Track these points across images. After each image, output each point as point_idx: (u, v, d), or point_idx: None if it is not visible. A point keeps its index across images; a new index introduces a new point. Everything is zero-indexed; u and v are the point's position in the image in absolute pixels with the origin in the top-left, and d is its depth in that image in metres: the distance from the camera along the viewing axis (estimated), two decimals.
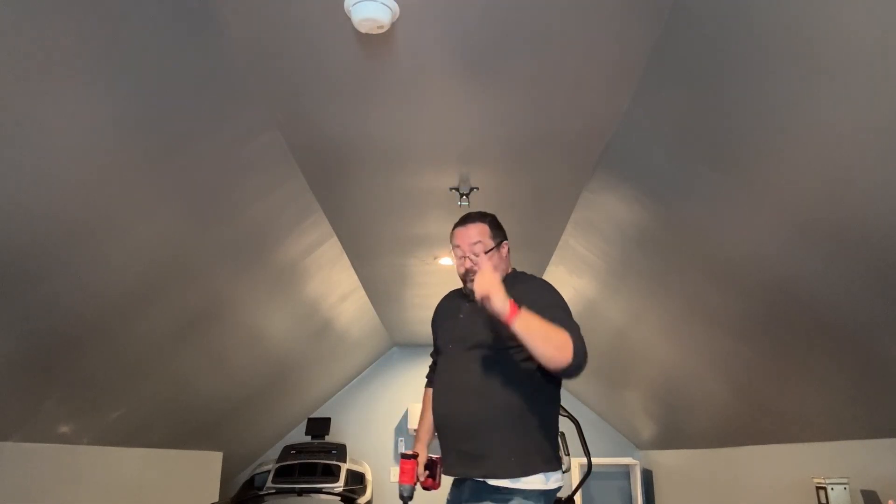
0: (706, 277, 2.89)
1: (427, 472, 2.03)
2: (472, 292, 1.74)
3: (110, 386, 3.01)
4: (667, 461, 5.61)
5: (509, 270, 2.05)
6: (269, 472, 5.20)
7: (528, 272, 2.10)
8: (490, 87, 2.22)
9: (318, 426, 5.92)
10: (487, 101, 2.30)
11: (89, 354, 2.69)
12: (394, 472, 6.25)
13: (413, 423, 6.12)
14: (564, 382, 2.03)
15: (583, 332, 1.79)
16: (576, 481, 5.81)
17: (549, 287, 2.00)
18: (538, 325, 1.71)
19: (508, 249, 2.08)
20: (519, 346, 1.75)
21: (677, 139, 2.31)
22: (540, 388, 1.91)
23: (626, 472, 6.35)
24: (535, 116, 2.39)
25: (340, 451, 5.48)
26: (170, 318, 2.99)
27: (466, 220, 2.03)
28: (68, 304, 2.34)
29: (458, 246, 1.99)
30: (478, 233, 1.98)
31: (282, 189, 2.85)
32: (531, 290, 1.91)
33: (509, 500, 1.80)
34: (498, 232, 2.03)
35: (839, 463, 2.97)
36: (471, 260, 1.95)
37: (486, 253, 1.95)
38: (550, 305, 1.85)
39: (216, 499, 4.93)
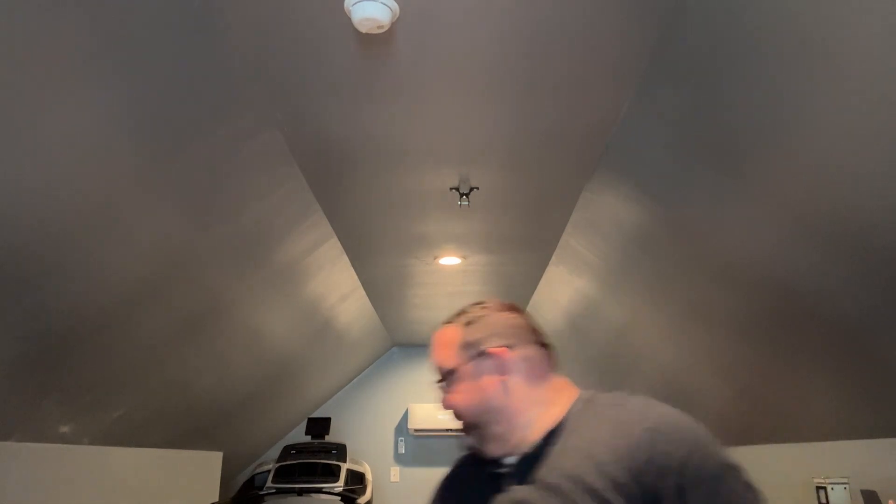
0: (706, 277, 2.89)
1: None
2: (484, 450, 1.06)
3: (110, 386, 3.01)
4: None
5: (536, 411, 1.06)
6: (269, 472, 5.20)
7: (626, 394, 1.05)
8: (490, 87, 2.22)
9: (318, 426, 5.92)
10: (487, 100, 2.30)
11: (89, 354, 2.69)
12: (394, 472, 6.26)
13: (413, 424, 6.12)
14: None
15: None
16: None
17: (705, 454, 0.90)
18: None
19: (518, 368, 1.08)
20: None
21: (678, 139, 2.31)
22: None
23: None
24: (536, 116, 2.39)
25: (340, 451, 5.49)
26: (170, 318, 2.99)
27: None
28: (68, 304, 2.34)
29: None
30: (444, 345, 1.12)
31: (281, 189, 2.85)
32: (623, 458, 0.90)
33: None
34: (479, 339, 1.09)
35: (839, 463, 2.97)
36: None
37: (451, 381, 1.09)
38: None
39: (216, 499, 4.93)
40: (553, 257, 3.97)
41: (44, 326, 2.33)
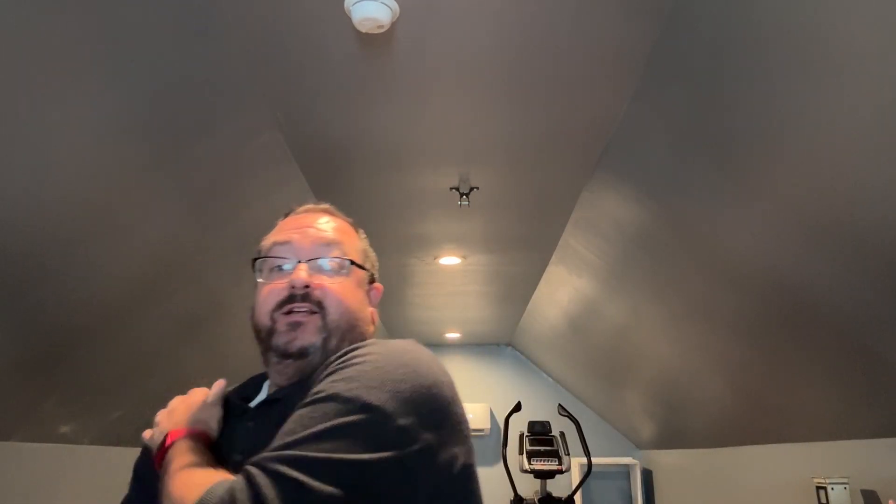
0: (706, 277, 2.89)
1: None
2: (282, 353, 0.87)
3: (111, 386, 3.01)
4: (667, 461, 5.60)
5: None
6: None
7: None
8: (490, 87, 2.22)
9: None
10: (487, 100, 2.30)
11: (90, 354, 2.69)
12: None
13: None
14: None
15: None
16: (575, 481, 5.81)
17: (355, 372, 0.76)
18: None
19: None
20: None
21: (677, 139, 2.31)
22: None
23: (625, 471, 6.35)
24: (536, 116, 2.39)
25: None
26: (171, 318, 2.99)
27: (311, 209, 1.04)
28: (69, 304, 2.34)
29: (286, 242, 0.95)
30: (336, 230, 0.98)
31: (282, 189, 2.85)
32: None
33: None
34: (373, 262, 1.07)
35: (839, 463, 2.97)
36: (305, 276, 0.89)
37: (341, 275, 0.93)
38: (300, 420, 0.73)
39: None
40: (553, 257, 3.97)
41: (45, 326, 2.33)
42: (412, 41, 1.96)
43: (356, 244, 1.02)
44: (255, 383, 1.01)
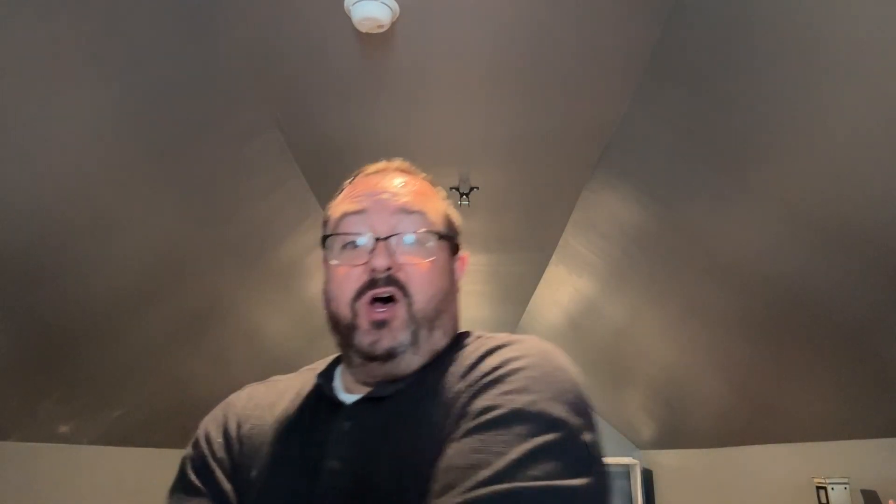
0: (706, 277, 2.89)
1: None
2: (367, 356, 0.74)
3: (110, 386, 3.01)
4: (667, 461, 5.60)
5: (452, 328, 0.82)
6: None
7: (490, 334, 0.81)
8: (490, 87, 2.22)
9: None
10: (487, 100, 2.30)
11: (89, 354, 2.69)
12: None
13: None
14: None
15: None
16: None
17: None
18: None
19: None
20: None
21: (677, 139, 2.31)
22: None
23: (626, 471, 6.34)
24: (535, 116, 2.39)
25: None
26: (170, 318, 2.99)
27: (383, 169, 0.88)
28: (68, 304, 2.34)
29: (359, 212, 0.80)
30: (415, 195, 0.82)
31: (282, 189, 2.85)
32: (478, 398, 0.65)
33: None
34: (452, 226, 0.86)
35: (839, 463, 2.97)
36: (386, 259, 0.75)
37: (429, 255, 0.78)
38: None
39: None
40: (553, 257, 3.97)
41: (44, 326, 2.33)
42: (412, 41, 1.96)
43: (439, 208, 0.84)
44: (328, 372, 0.84)
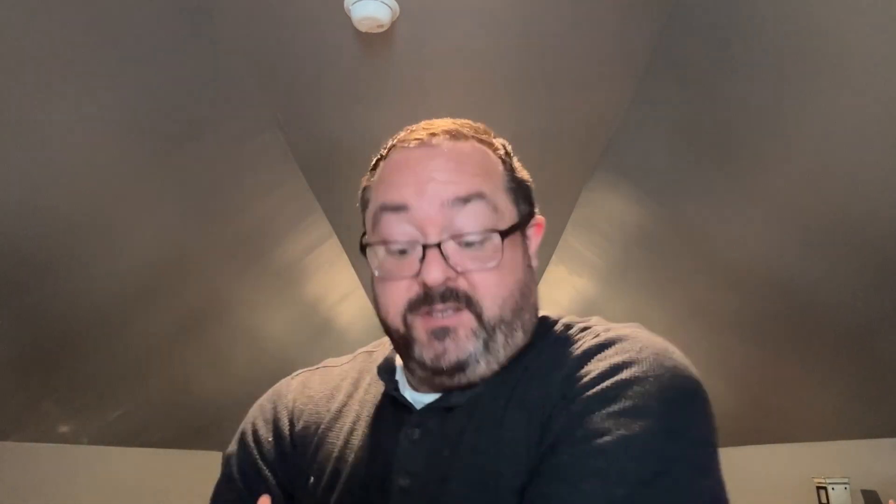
0: (707, 277, 2.89)
1: None
2: (432, 370, 0.64)
3: (110, 386, 3.01)
4: None
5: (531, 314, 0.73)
6: None
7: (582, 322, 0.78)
8: (490, 87, 2.22)
9: None
10: (487, 100, 2.30)
11: (89, 354, 2.68)
12: None
13: None
14: None
15: None
16: None
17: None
18: None
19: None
20: None
21: (678, 138, 2.31)
22: None
23: None
24: (535, 115, 2.39)
25: None
26: (170, 318, 2.99)
27: (425, 139, 0.72)
28: (68, 304, 2.34)
29: (401, 207, 0.65)
30: (470, 172, 0.67)
31: (282, 189, 2.84)
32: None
33: None
34: (521, 189, 0.75)
35: (839, 463, 2.97)
36: (440, 271, 0.62)
37: (495, 253, 0.64)
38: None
39: None
40: (553, 257, 3.97)
41: (43, 326, 2.33)
42: (412, 41, 1.96)
43: (500, 179, 0.69)
44: (388, 366, 0.71)
